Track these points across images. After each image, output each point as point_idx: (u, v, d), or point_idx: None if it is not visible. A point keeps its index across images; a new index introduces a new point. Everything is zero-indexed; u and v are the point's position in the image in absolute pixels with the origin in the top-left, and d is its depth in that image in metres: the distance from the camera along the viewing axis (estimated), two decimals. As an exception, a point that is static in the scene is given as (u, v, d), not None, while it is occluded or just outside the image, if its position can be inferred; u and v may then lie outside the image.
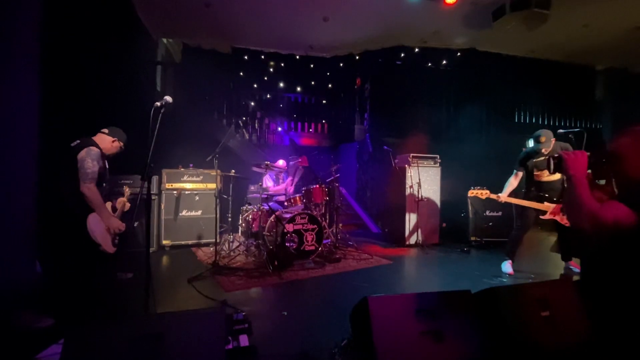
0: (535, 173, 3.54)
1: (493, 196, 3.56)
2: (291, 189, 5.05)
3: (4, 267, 2.08)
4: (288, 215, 3.95)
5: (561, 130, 3.08)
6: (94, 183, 2.64)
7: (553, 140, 3.43)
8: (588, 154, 1.33)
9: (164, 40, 7.07)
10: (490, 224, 4.98)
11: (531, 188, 3.58)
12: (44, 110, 2.30)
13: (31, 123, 2.22)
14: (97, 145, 2.74)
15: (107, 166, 2.87)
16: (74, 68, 3.30)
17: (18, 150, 2.15)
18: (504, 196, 3.53)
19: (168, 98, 2.18)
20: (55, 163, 2.62)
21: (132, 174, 4.21)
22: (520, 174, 3.65)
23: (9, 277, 2.11)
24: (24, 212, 2.20)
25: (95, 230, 2.63)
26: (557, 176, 3.48)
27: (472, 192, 3.66)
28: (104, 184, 2.82)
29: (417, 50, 7.35)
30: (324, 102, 8.89)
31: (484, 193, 3.60)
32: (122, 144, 2.98)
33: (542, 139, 3.37)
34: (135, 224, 3.96)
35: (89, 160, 2.61)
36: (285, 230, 3.81)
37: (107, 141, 2.87)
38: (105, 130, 2.90)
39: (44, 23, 2.35)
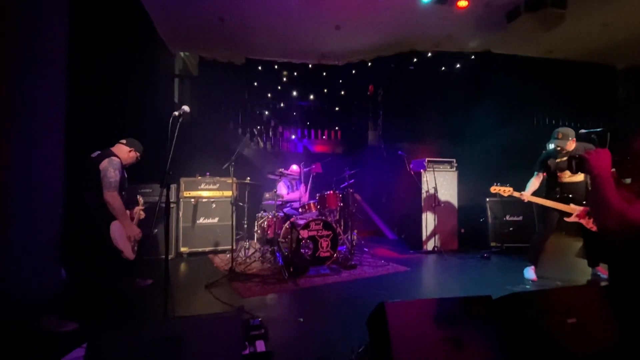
0: (558, 174, 3.43)
1: (516, 194, 3.46)
2: (306, 196, 5.05)
3: (30, 274, 2.17)
4: (302, 222, 3.95)
5: (583, 131, 2.99)
6: (117, 191, 2.74)
7: (573, 140, 3.32)
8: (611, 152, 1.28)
9: (181, 53, 7.32)
10: (511, 229, 4.84)
11: (555, 189, 3.45)
12: (67, 120, 2.41)
13: (57, 132, 2.32)
14: (116, 156, 2.86)
15: (125, 175, 2.98)
16: (96, 81, 3.47)
17: (44, 159, 2.25)
18: (527, 194, 3.42)
19: (186, 107, 2.25)
20: (77, 172, 2.73)
21: (151, 183, 4.35)
22: (541, 175, 3.56)
23: (35, 283, 2.19)
24: (50, 221, 2.29)
25: (117, 237, 2.72)
26: (580, 178, 3.36)
27: (494, 189, 3.58)
28: (123, 193, 2.92)
29: (430, 54, 7.30)
30: (337, 109, 8.93)
31: (506, 190, 3.50)
32: (138, 154, 3.10)
33: (559, 135, 3.30)
34: (155, 231, 4.06)
35: (111, 169, 2.73)
36: (300, 237, 3.81)
37: (124, 151, 2.99)
38: (124, 141, 3.02)
39: (69, 39, 2.48)
